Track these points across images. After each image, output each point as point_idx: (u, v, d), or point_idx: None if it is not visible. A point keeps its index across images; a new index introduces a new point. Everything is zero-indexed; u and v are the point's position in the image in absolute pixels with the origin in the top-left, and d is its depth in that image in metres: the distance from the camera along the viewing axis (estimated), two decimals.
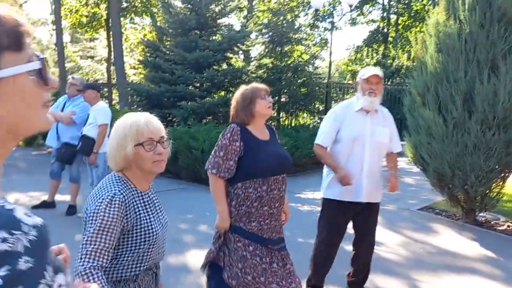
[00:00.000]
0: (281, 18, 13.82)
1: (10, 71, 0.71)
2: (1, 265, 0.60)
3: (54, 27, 15.32)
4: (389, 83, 15.08)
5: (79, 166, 5.62)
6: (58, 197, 5.82)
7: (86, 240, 1.50)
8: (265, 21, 15.13)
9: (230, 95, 9.89)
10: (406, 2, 23.76)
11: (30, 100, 0.75)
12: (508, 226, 5.79)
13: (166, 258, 2.55)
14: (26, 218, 0.65)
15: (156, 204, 1.76)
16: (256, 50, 14.96)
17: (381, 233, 4.75)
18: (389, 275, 4.11)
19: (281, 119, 13.98)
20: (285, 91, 13.21)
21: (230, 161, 2.51)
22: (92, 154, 5.14)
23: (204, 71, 10.04)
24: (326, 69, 16.45)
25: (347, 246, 3.70)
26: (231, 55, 11.71)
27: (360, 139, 3.26)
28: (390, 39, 24.62)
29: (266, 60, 13.35)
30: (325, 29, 24.33)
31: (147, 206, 1.68)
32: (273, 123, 13.00)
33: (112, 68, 17.62)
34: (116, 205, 1.54)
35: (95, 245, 1.49)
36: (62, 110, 5.58)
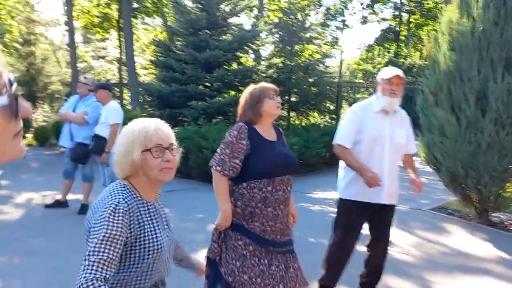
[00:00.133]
0: (292, 17, 13.78)
1: None
2: None
3: (67, 27, 15.48)
4: None
5: (92, 166, 5.68)
6: (70, 196, 5.88)
7: (89, 251, 1.40)
8: (276, 20, 15.11)
9: (240, 94, 9.85)
10: (418, 0, 23.57)
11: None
12: None
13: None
14: None
15: (163, 216, 1.68)
16: (267, 50, 14.95)
17: (394, 233, 4.70)
18: (401, 276, 4.07)
19: (291, 119, 13.94)
20: (296, 90, 13.17)
21: (236, 159, 2.48)
22: (104, 154, 5.18)
23: (215, 70, 10.07)
24: (337, 68, 16.36)
25: (359, 247, 3.67)
26: (241, 55, 11.72)
27: (380, 139, 3.23)
28: (402, 37, 24.46)
29: (277, 60, 13.32)
30: (336, 27, 24.24)
31: (153, 217, 1.60)
32: (283, 123, 12.97)
33: (124, 68, 17.73)
34: (121, 214, 1.46)
35: (98, 255, 1.38)
36: (73, 110, 5.64)
